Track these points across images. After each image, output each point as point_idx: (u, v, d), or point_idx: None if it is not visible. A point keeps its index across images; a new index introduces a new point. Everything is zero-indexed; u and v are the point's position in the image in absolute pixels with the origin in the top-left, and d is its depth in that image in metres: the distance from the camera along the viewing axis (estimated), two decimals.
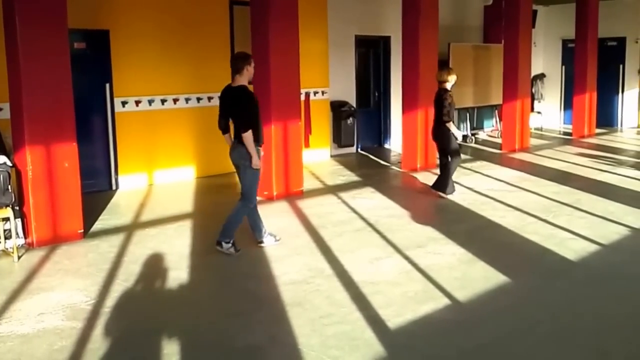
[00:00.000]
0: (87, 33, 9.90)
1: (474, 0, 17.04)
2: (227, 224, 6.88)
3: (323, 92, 13.29)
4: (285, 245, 7.16)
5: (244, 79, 6.76)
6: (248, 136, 6.55)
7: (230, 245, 6.83)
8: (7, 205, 6.79)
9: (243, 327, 4.98)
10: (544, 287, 5.85)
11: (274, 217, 8.50)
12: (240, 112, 6.64)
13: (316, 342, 4.64)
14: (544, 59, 19.25)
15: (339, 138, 13.68)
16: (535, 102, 18.81)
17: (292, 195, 9.54)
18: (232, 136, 6.84)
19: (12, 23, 6.97)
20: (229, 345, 4.67)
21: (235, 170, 7.06)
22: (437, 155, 9.90)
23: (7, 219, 6.89)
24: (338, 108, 13.55)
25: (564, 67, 19.01)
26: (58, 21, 7.18)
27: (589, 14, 16.03)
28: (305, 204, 9.12)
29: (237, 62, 6.74)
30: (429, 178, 10.94)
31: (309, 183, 10.45)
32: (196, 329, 4.98)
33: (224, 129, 6.97)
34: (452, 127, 9.17)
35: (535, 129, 17.59)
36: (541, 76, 19.22)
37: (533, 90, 18.30)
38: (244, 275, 6.26)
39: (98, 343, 4.69)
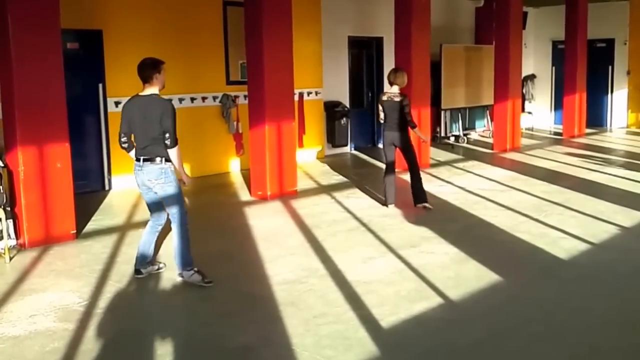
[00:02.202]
0: (80, 33, 9.88)
1: (466, 2, 17.11)
2: (181, 254, 6.00)
3: (317, 93, 13.31)
4: (279, 245, 7.17)
5: (156, 87, 5.95)
6: (178, 152, 5.86)
7: (192, 272, 5.95)
8: None
9: (236, 327, 4.98)
10: (536, 285, 5.89)
11: (267, 217, 8.51)
12: (166, 125, 5.75)
13: (310, 341, 4.64)
14: (535, 60, 19.32)
15: (332, 138, 13.72)
16: (526, 102, 18.88)
17: (286, 195, 9.54)
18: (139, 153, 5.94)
19: (4, 23, 6.94)
20: (222, 346, 4.67)
21: (143, 192, 6.11)
22: (390, 162, 8.84)
23: None
24: (332, 108, 13.58)
25: (554, 68, 19.10)
26: (50, 21, 7.16)
27: (578, 16, 16.10)
28: (299, 204, 9.13)
29: (144, 71, 5.94)
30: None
31: (302, 183, 10.46)
32: (189, 330, 4.99)
33: (130, 146, 6.01)
34: (420, 131, 9.13)
35: (526, 129, 17.65)
36: (532, 77, 19.30)
37: (524, 91, 18.37)
38: (237, 276, 6.25)
39: (91, 344, 4.67)
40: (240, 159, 11.99)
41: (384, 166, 8.97)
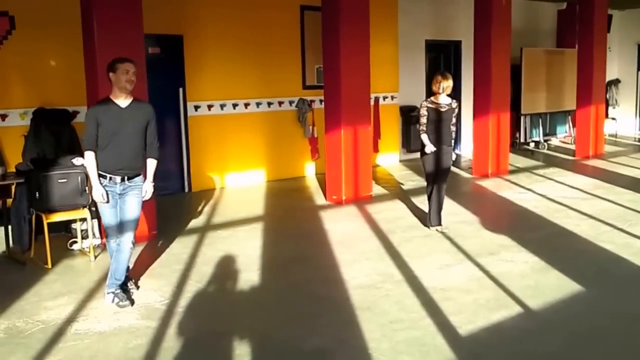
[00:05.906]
0: (162, 38, 10.12)
1: (548, 5, 16.74)
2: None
3: (392, 97, 13.26)
4: (355, 249, 7.17)
5: (115, 89, 5.47)
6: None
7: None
8: (84, 206, 6.97)
9: (312, 330, 5.00)
10: (618, 297, 5.69)
11: (342, 221, 8.52)
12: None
13: (386, 346, 4.62)
14: (619, 64, 18.74)
15: (408, 143, 13.64)
16: (610, 108, 18.34)
17: (361, 199, 9.53)
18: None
19: (90, 29, 7.21)
20: (299, 348, 4.70)
21: (110, 209, 5.55)
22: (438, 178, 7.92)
23: (84, 220, 7.12)
24: (407, 113, 13.50)
25: (639, 72, 18.51)
26: (134, 26, 7.37)
27: None
28: (374, 209, 9.10)
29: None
30: (500, 184, 10.81)
31: (377, 188, 10.43)
32: (266, 331, 5.02)
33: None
34: None
35: (610, 135, 17.15)
36: (616, 82, 18.71)
37: (607, 96, 17.85)
38: (313, 279, 6.27)
39: (172, 342, 4.78)
40: (315, 163, 12.05)
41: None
